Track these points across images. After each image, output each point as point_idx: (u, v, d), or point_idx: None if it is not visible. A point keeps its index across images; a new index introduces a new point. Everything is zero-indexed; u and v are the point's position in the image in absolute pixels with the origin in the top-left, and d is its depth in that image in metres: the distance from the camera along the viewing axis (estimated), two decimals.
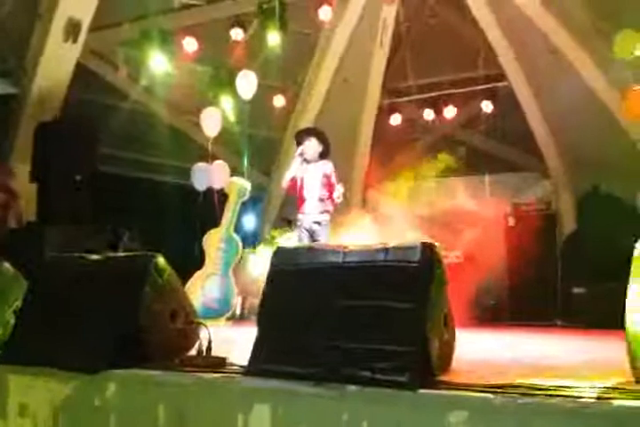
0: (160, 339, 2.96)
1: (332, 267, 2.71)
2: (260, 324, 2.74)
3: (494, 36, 7.63)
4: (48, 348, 2.98)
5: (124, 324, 2.91)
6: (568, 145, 7.84)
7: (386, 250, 2.60)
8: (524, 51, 7.63)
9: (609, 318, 5.68)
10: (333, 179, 4.91)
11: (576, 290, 6.29)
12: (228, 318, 6.18)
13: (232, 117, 7.03)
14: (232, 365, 2.72)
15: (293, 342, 2.59)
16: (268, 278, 2.86)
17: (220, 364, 2.69)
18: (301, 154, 4.93)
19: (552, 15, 7.19)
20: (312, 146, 4.95)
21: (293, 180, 4.96)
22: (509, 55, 7.74)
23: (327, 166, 4.93)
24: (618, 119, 7.30)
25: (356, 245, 2.76)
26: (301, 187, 4.93)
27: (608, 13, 6.93)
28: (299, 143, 5.01)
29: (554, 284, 6.65)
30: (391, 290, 2.49)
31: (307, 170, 4.94)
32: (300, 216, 4.95)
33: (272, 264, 2.88)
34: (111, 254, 3.18)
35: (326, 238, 4.87)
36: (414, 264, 2.49)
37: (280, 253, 2.91)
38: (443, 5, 7.92)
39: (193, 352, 2.92)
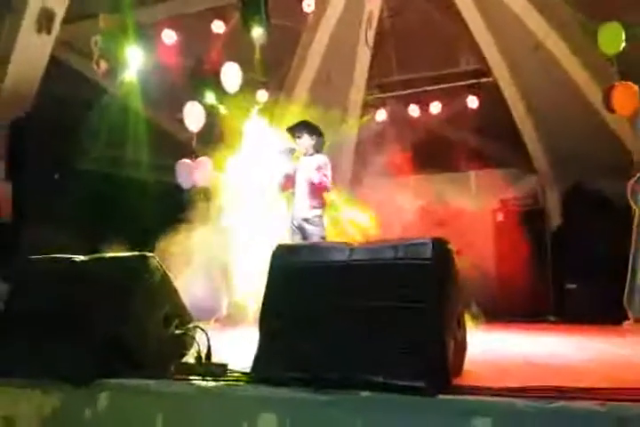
0: (153, 345, 2.79)
1: (337, 265, 2.57)
2: (262, 327, 2.58)
3: (479, 31, 7.55)
4: (33, 357, 2.78)
5: (114, 330, 2.73)
6: (553, 140, 7.82)
7: (395, 247, 2.47)
8: (509, 46, 7.58)
9: (600, 314, 5.76)
10: (326, 171, 4.66)
11: (568, 286, 6.28)
12: (217, 320, 6.00)
13: (216, 111, 6.83)
14: (233, 372, 2.56)
15: (299, 346, 2.44)
16: (268, 278, 2.70)
17: (221, 371, 2.52)
18: (289, 151, 4.72)
19: (536, 10, 7.16)
20: (303, 142, 4.75)
21: (288, 177, 4.73)
22: (494, 50, 7.68)
23: (320, 159, 4.72)
24: (602, 114, 7.31)
25: (362, 242, 2.63)
26: (294, 182, 4.73)
27: (592, 8, 6.92)
28: (292, 138, 4.82)
29: (545, 279, 6.63)
30: (403, 289, 2.35)
31: (300, 164, 4.73)
32: (291, 213, 4.76)
33: (272, 263, 2.72)
34: (99, 255, 2.98)
35: (319, 235, 4.66)
36: (427, 261, 2.36)
37: (280, 251, 2.75)
38: (428, 1, 7.83)
39: (190, 358, 2.75)
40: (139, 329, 2.81)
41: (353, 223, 6.38)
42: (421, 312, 2.28)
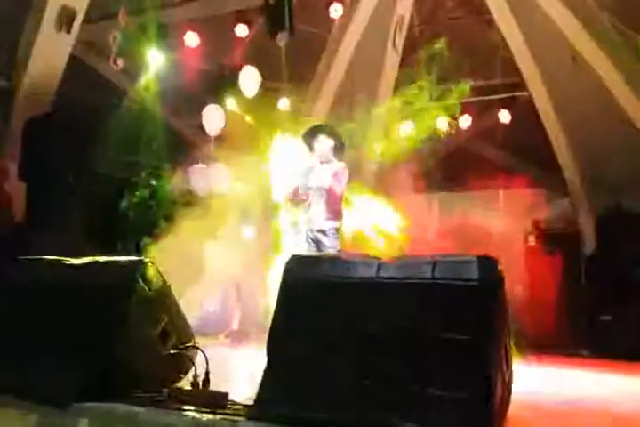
0: (146, 365, 2.42)
1: (362, 282, 2.19)
2: (270, 352, 2.20)
3: (515, 41, 7.20)
4: (9, 372, 2.44)
5: (101, 345, 2.37)
6: (588, 160, 7.39)
7: (433, 263, 2.08)
8: (546, 59, 7.21)
9: (636, 349, 5.27)
10: (341, 178, 4.30)
11: (602, 317, 5.79)
12: (227, 335, 5.63)
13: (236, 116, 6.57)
14: (235, 403, 2.17)
15: (311, 378, 2.05)
16: (279, 294, 2.33)
17: (219, 402, 2.14)
18: (308, 166, 4.41)
19: (577, 20, 6.80)
20: (321, 146, 4.40)
21: (303, 187, 4.39)
22: (530, 63, 7.31)
23: (338, 166, 4.37)
24: None
25: (392, 257, 2.25)
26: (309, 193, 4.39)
27: (635, 21, 6.57)
28: (309, 146, 4.50)
29: (578, 309, 6.15)
30: (442, 316, 1.96)
31: (316, 173, 4.39)
32: (305, 224, 4.41)
33: (285, 276, 2.34)
34: (92, 259, 2.64)
35: (335, 249, 4.29)
36: (472, 282, 1.97)
37: (295, 263, 2.37)
38: (461, 8, 7.53)
39: (186, 383, 2.37)
40: (130, 346, 2.46)
41: (379, 231, 5.93)
42: (464, 346, 1.88)
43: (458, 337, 1.89)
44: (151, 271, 2.53)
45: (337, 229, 4.35)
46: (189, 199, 6.33)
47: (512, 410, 2.25)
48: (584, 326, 6.00)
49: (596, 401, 3.01)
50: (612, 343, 5.54)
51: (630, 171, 6.63)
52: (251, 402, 2.08)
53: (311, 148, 4.48)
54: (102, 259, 2.65)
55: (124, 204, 6.58)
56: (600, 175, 7.12)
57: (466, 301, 1.94)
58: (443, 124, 7.68)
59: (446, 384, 1.83)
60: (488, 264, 2.01)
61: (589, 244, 7.03)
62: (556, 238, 6.57)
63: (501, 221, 7.31)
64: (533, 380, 3.78)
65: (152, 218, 6.43)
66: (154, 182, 6.71)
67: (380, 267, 2.18)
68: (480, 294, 1.94)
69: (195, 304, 5.40)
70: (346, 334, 2.10)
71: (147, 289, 2.53)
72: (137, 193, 6.71)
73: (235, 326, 5.86)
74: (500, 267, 2.05)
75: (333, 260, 2.37)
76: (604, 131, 6.98)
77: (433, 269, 2.06)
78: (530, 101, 7.54)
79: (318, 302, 2.23)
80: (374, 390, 1.94)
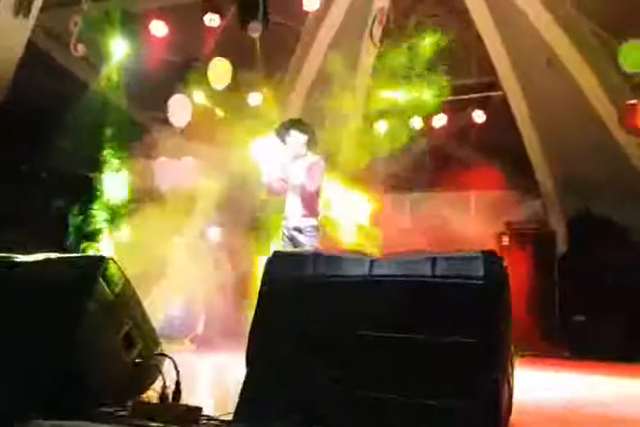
0: (108, 376, 2.15)
1: (353, 282, 1.98)
2: (250, 357, 1.97)
3: (491, 41, 7.13)
4: None
5: (56, 354, 2.09)
6: (561, 162, 7.39)
7: (433, 260, 1.89)
8: (522, 59, 7.17)
9: (610, 349, 5.25)
10: (316, 173, 4.09)
11: (576, 317, 5.75)
12: (192, 340, 5.32)
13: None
14: (210, 419, 1.93)
15: (296, 389, 1.83)
16: (260, 293, 2.10)
17: (192, 417, 1.89)
18: (283, 162, 4.20)
19: (556, 23, 6.78)
20: (293, 141, 4.23)
21: (278, 181, 4.19)
22: (506, 63, 7.26)
23: (312, 159, 4.18)
24: (616, 137, 6.92)
25: (388, 254, 2.05)
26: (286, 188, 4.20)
27: (612, 24, 6.59)
28: (282, 140, 4.31)
29: (553, 310, 6.10)
30: (444, 317, 1.77)
31: (292, 168, 4.19)
32: (283, 222, 4.21)
33: (266, 274, 2.11)
34: (45, 256, 2.35)
35: (312, 248, 4.08)
36: (478, 281, 1.78)
37: (277, 260, 2.15)
38: (439, 5, 7.42)
39: (153, 395, 2.12)
40: (89, 353, 2.18)
41: (361, 228, 5.74)
42: (470, 350, 1.69)
43: (462, 340, 1.70)
44: (113, 270, 2.26)
45: (314, 227, 4.15)
46: (148, 196, 6.00)
47: (515, 415, 2.08)
48: (558, 326, 5.96)
49: (587, 403, 2.90)
50: (584, 343, 5.51)
51: (602, 173, 6.64)
52: (228, 417, 1.85)
53: (284, 142, 4.29)
54: (56, 256, 2.36)
55: (61, 203, 6.21)
56: (572, 177, 7.12)
57: (471, 300, 1.76)
58: (417, 122, 7.59)
59: (449, 391, 1.65)
60: (494, 260, 1.84)
61: (560, 246, 7.02)
62: (529, 239, 6.50)
63: (474, 222, 7.24)
64: (523, 382, 3.66)
65: (92, 219, 6.07)
66: (101, 178, 6.32)
67: (372, 264, 1.98)
68: (487, 293, 1.76)
69: (158, 307, 5.11)
70: (334, 339, 1.89)
71: (107, 290, 2.26)
72: (80, 190, 6.34)
73: (199, 330, 5.56)
74: (505, 264, 1.88)
75: (320, 257, 2.15)
76: (578, 133, 6.98)
77: (433, 266, 1.86)
78: (504, 102, 7.50)
79: (303, 302, 2.02)
80: (365, 402, 1.73)
